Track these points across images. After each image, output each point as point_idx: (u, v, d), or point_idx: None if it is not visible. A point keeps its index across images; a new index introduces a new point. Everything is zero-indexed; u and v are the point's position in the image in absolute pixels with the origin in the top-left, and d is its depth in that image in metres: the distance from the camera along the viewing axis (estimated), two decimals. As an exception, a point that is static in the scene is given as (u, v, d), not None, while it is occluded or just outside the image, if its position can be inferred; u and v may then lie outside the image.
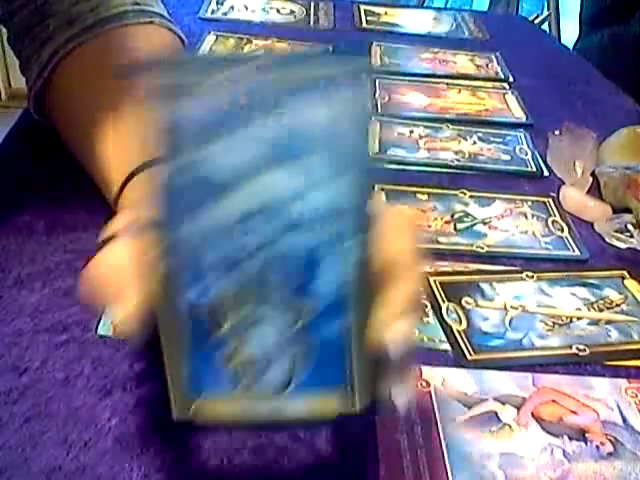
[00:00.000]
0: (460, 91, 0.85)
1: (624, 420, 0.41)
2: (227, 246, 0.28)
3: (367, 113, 0.27)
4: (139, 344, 0.30)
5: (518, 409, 0.42)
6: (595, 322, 0.49)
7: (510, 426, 0.40)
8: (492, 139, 0.74)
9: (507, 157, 0.71)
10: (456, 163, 0.68)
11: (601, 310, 0.50)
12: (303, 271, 0.28)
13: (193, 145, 0.27)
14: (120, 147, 0.47)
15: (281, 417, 0.30)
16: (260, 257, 0.28)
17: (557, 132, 0.71)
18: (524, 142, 0.74)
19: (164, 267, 0.28)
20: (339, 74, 0.26)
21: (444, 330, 0.47)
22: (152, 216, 0.28)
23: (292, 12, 1.08)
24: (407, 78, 0.87)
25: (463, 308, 0.49)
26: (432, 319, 0.48)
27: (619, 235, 0.59)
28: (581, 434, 0.40)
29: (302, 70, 0.26)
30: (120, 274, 0.31)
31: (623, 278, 0.54)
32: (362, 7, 1.13)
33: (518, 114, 0.80)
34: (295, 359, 0.29)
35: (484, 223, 0.59)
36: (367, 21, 1.08)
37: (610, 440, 0.40)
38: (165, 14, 0.58)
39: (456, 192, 0.63)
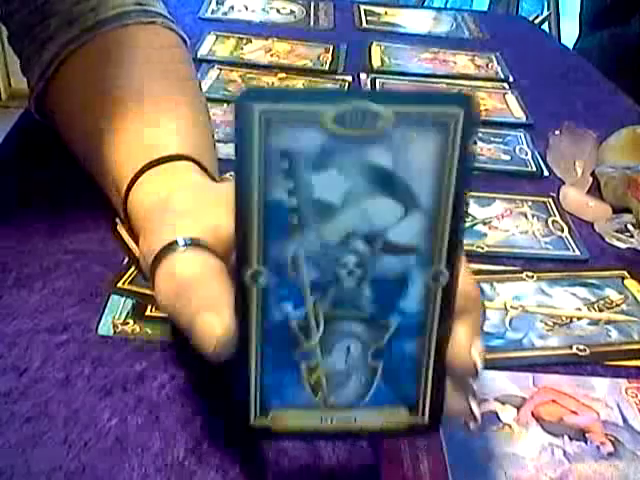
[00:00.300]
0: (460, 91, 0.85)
1: (624, 420, 0.41)
2: (328, 263, 0.29)
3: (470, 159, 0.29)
4: (229, 355, 0.30)
5: (518, 409, 0.42)
6: (595, 322, 0.49)
7: (510, 426, 0.40)
8: (492, 139, 0.74)
9: (507, 157, 0.71)
10: (456, 163, 0.68)
11: (601, 310, 0.50)
12: (392, 291, 0.30)
13: (304, 169, 0.27)
14: (125, 146, 0.47)
15: (353, 428, 0.31)
16: (357, 276, 0.29)
17: (557, 132, 0.71)
18: (524, 142, 0.74)
19: (263, 281, 0.29)
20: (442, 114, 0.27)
21: (444, 330, 0.47)
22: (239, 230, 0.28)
23: (292, 12, 1.08)
24: (407, 78, 0.87)
25: (463, 308, 0.49)
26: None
27: (619, 235, 0.59)
28: (581, 434, 0.40)
29: (408, 106, 0.27)
30: (201, 285, 0.32)
31: (623, 278, 0.54)
32: (362, 7, 1.13)
33: (518, 114, 0.80)
34: (373, 373, 0.31)
35: (484, 223, 0.59)
36: (367, 21, 1.08)
37: (610, 440, 0.40)
38: (167, 14, 0.58)
39: (456, 192, 0.63)
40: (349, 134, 0.27)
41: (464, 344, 0.31)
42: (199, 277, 0.32)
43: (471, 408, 0.33)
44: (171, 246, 0.33)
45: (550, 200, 0.64)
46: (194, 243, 0.33)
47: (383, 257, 0.29)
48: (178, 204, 0.37)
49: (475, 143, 0.28)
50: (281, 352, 0.30)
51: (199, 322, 0.30)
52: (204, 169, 0.43)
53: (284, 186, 0.28)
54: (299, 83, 0.83)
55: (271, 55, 0.90)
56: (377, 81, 0.85)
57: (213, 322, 0.30)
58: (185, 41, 0.59)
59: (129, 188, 0.43)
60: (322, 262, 0.29)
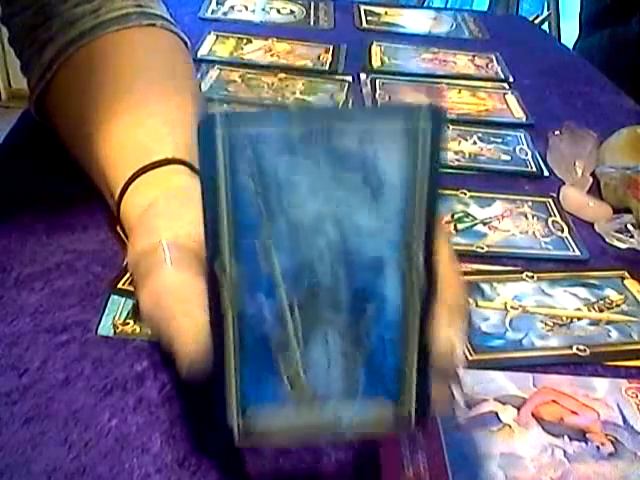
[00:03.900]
0: (460, 91, 0.85)
1: (624, 420, 0.41)
2: (299, 249, 0.28)
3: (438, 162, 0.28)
4: (207, 362, 0.29)
5: (518, 409, 0.42)
6: (595, 322, 0.49)
7: (510, 426, 0.40)
8: (492, 139, 0.74)
9: (507, 157, 0.71)
10: (456, 163, 0.68)
11: (601, 310, 0.50)
12: (367, 277, 0.29)
13: (268, 158, 0.27)
14: (119, 151, 0.47)
15: (337, 427, 0.30)
16: (329, 261, 0.29)
17: (557, 132, 0.71)
18: (524, 142, 0.74)
19: (234, 274, 0.28)
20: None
21: (444, 330, 0.47)
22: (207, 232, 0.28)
23: (292, 12, 1.08)
24: (407, 78, 0.87)
25: (463, 308, 0.49)
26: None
27: (619, 235, 0.59)
28: (581, 434, 0.40)
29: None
30: (179, 290, 0.31)
31: (623, 278, 0.54)
32: (362, 7, 1.13)
33: (518, 114, 0.80)
34: (354, 364, 0.30)
35: (484, 223, 0.59)
36: (367, 21, 1.08)
37: (610, 440, 0.40)
38: (167, 16, 0.58)
39: (456, 192, 0.63)
40: (315, 150, 0.27)
41: (444, 330, 0.30)
42: (177, 283, 0.32)
43: (454, 398, 0.32)
44: (151, 252, 0.33)
45: (550, 200, 0.64)
46: (175, 249, 0.33)
47: (355, 241, 0.29)
48: (161, 208, 0.37)
49: (442, 153, 0.28)
50: (258, 347, 0.29)
51: (173, 327, 0.30)
52: (197, 171, 0.43)
53: (249, 171, 0.27)
54: (299, 83, 0.83)
55: (271, 55, 0.90)
56: (377, 81, 0.85)
57: (187, 324, 0.29)
58: (186, 43, 0.59)
59: (122, 195, 0.43)
60: (293, 248, 0.28)
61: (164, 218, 0.35)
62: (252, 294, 0.29)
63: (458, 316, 0.31)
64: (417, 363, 0.30)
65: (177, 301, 0.31)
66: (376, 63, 0.91)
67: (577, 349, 0.46)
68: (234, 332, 0.29)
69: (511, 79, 0.90)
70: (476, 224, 0.59)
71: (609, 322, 0.49)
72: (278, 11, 1.07)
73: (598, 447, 0.40)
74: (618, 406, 0.42)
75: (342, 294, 0.29)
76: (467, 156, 0.70)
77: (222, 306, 0.29)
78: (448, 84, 0.86)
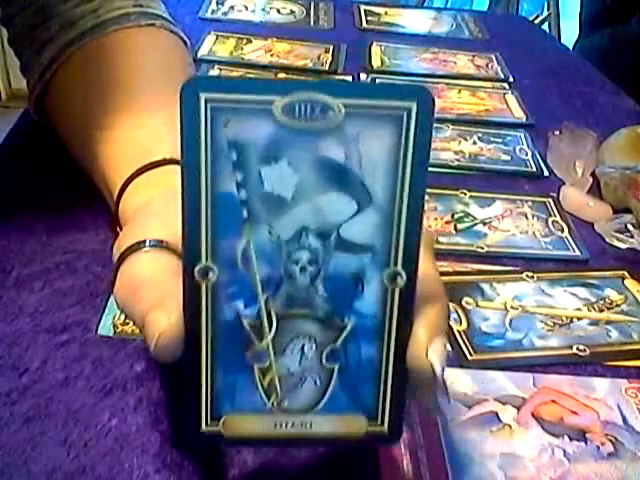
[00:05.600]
0: (460, 91, 0.85)
1: (624, 420, 0.41)
2: (280, 259, 0.28)
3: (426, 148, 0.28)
4: (177, 355, 0.29)
5: (518, 409, 0.42)
6: (595, 322, 0.49)
7: (510, 426, 0.40)
8: (492, 139, 0.74)
9: (507, 157, 0.71)
10: (456, 163, 0.68)
11: (601, 310, 0.50)
12: (348, 290, 0.29)
13: (254, 161, 0.27)
14: (118, 151, 0.47)
15: (309, 435, 0.30)
16: (310, 273, 0.28)
17: (557, 132, 0.71)
18: (524, 142, 0.74)
19: (213, 277, 0.28)
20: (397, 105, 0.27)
21: (444, 330, 0.47)
22: (184, 228, 0.28)
23: (292, 12, 1.08)
24: (407, 78, 0.87)
25: (463, 308, 0.49)
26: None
27: (619, 235, 0.59)
28: (581, 434, 0.40)
29: (362, 98, 0.27)
30: (156, 283, 0.31)
31: (623, 278, 0.54)
32: (362, 7, 1.13)
33: (518, 114, 0.80)
34: (329, 376, 0.30)
35: (484, 223, 0.59)
36: (367, 21, 1.08)
37: (610, 440, 0.40)
38: (167, 16, 0.58)
39: (456, 192, 0.63)
40: (299, 126, 0.26)
41: (421, 345, 0.30)
42: (155, 276, 0.32)
43: (438, 405, 0.32)
44: (134, 247, 0.33)
45: (550, 200, 0.64)
46: (158, 244, 0.33)
47: (337, 254, 0.28)
48: (157, 207, 0.37)
49: (431, 137, 0.27)
50: (233, 353, 0.29)
51: (147, 319, 0.30)
52: None
53: (233, 178, 0.27)
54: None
55: (271, 55, 0.90)
56: (377, 81, 0.85)
57: (160, 319, 0.29)
58: (186, 42, 0.59)
59: (120, 195, 0.43)
60: (274, 258, 0.28)
61: (157, 217, 0.35)
62: (230, 301, 0.28)
63: (438, 326, 0.31)
64: (393, 380, 0.30)
65: (153, 293, 0.31)
66: (376, 63, 0.91)
67: (577, 349, 0.46)
68: (210, 338, 0.29)
69: (511, 79, 0.90)
70: (476, 224, 0.59)
71: (609, 322, 0.49)
72: (278, 11, 1.07)
73: (598, 447, 0.40)
74: (618, 406, 0.42)
75: (320, 307, 0.29)
76: (467, 156, 0.70)
77: (199, 312, 0.28)
78: (448, 84, 0.86)
